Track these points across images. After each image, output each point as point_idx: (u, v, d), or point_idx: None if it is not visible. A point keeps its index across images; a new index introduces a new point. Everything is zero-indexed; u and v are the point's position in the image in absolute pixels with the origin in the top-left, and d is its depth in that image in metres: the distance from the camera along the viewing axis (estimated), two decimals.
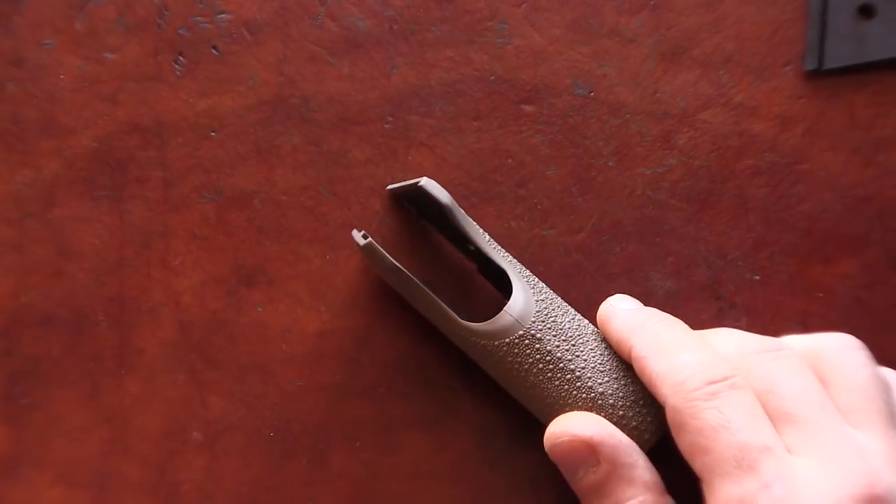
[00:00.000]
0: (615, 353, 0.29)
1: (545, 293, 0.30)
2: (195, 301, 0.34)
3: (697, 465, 0.24)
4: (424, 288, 0.30)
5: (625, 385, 0.29)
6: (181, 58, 0.34)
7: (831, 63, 0.33)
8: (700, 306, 0.33)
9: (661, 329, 0.27)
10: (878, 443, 0.23)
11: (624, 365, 0.29)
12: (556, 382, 0.29)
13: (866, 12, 0.33)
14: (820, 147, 0.34)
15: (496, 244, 0.31)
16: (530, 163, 0.34)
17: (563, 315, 0.30)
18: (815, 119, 0.34)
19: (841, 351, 0.25)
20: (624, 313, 0.29)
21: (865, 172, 0.34)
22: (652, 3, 0.34)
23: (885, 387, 0.25)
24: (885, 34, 0.33)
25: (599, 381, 0.29)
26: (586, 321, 0.30)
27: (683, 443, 0.24)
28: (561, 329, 0.29)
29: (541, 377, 0.29)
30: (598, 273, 0.33)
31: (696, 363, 0.25)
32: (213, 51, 0.34)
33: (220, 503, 0.33)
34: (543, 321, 0.29)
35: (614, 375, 0.29)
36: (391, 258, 0.30)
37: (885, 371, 0.26)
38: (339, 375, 0.33)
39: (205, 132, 0.34)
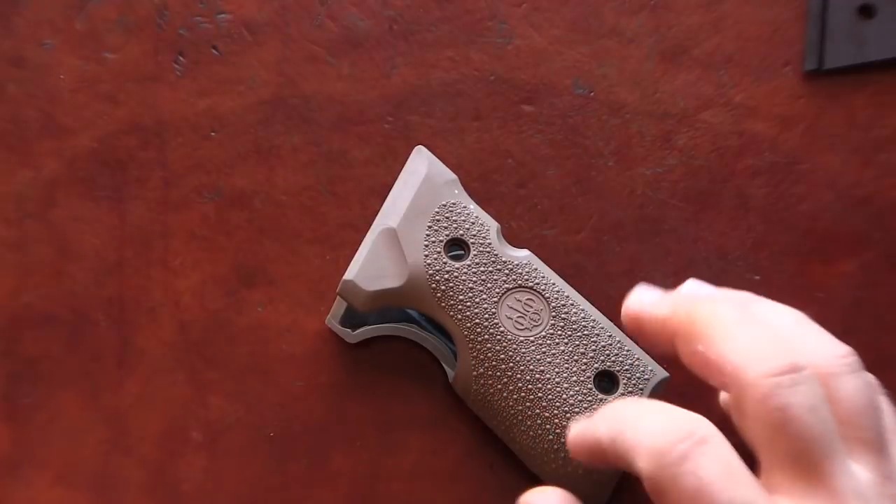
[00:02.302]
0: (573, 388, 0.30)
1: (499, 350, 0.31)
2: (195, 301, 0.34)
3: None
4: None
5: (580, 415, 0.30)
6: (181, 58, 0.34)
7: (831, 63, 0.33)
8: None
9: (620, 407, 0.26)
10: (872, 475, 0.23)
11: (579, 403, 0.30)
12: (515, 433, 0.31)
13: (866, 12, 0.33)
14: (820, 147, 0.34)
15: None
16: (530, 163, 0.34)
17: (506, 374, 0.31)
18: (814, 119, 0.34)
19: (840, 376, 0.25)
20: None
21: (865, 172, 0.34)
22: (652, 3, 0.34)
23: (877, 411, 0.25)
24: (885, 34, 0.33)
25: (554, 426, 0.30)
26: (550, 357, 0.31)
27: None
28: (504, 393, 0.31)
29: (502, 427, 0.31)
30: (598, 273, 0.33)
31: (658, 428, 0.24)
32: (213, 51, 0.34)
33: (219, 503, 0.33)
34: (483, 394, 0.31)
35: (566, 419, 0.30)
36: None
37: (868, 379, 0.26)
38: (339, 375, 0.33)
39: (205, 132, 0.34)
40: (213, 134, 0.34)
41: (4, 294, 0.33)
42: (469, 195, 0.32)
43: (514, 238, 0.33)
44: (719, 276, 0.33)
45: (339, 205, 0.34)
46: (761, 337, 0.25)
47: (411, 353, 0.33)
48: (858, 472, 0.23)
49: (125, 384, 0.33)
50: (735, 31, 0.34)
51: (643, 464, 0.24)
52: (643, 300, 0.28)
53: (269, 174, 0.34)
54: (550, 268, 0.32)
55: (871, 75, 0.34)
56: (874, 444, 0.24)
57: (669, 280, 0.33)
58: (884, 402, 0.26)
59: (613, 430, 0.25)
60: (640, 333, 0.28)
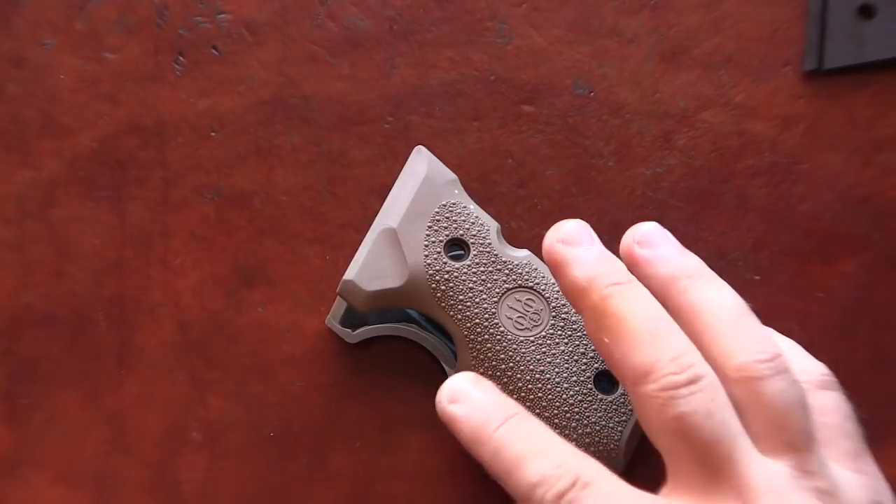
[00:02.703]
0: (567, 389, 0.30)
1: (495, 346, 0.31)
2: (195, 301, 0.34)
3: None
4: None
5: (578, 427, 0.30)
6: (181, 58, 0.34)
7: (831, 63, 0.33)
8: None
9: (500, 440, 0.26)
10: (787, 471, 0.24)
11: (579, 403, 0.30)
12: None
13: (866, 12, 0.33)
14: (820, 147, 0.34)
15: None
16: (530, 163, 0.34)
17: (507, 372, 0.30)
18: (814, 119, 0.34)
19: (762, 381, 0.25)
20: (464, 417, 0.27)
21: (865, 172, 0.34)
22: (652, 3, 0.34)
23: (803, 407, 0.25)
24: (885, 34, 0.33)
25: (554, 426, 0.30)
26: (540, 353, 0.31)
27: None
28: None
29: None
30: None
31: (543, 477, 0.24)
32: (213, 51, 0.34)
33: (220, 503, 0.33)
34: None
35: (566, 419, 0.30)
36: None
37: (793, 378, 0.25)
38: (339, 375, 0.33)
39: (205, 132, 0.34)
40: (213, 134, 0.34)
41: (4, 294, 0.33)
42: (469, 195, 0.32)
43: (514, 238, 0.33)
44: (719, 276, 0.33)
45: (339, 205, 0.34)
46: (666, 347, 0.25)
47: (411, 353, 0.33)
48: (773, 467, 0.24)
49: (125, 384, 0.33)
50: (735, 31, 0.34)
51: None
52: (567, 243, 0.27)
53: (269, 174, 0.34)
54: None
55: (871, 75, 0.34)
56: (797, 444, 0.24)
57: None
58: (835, 398, 0.27)
59: (500, 471, 0.25)
60: (555, 277, 0.28)
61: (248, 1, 0.34)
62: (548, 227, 0.34)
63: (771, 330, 0.27)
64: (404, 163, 0.32)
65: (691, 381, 0.24)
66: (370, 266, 0.30)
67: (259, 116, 0.34)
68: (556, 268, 0.27)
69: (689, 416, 0.23)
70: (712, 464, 0.23)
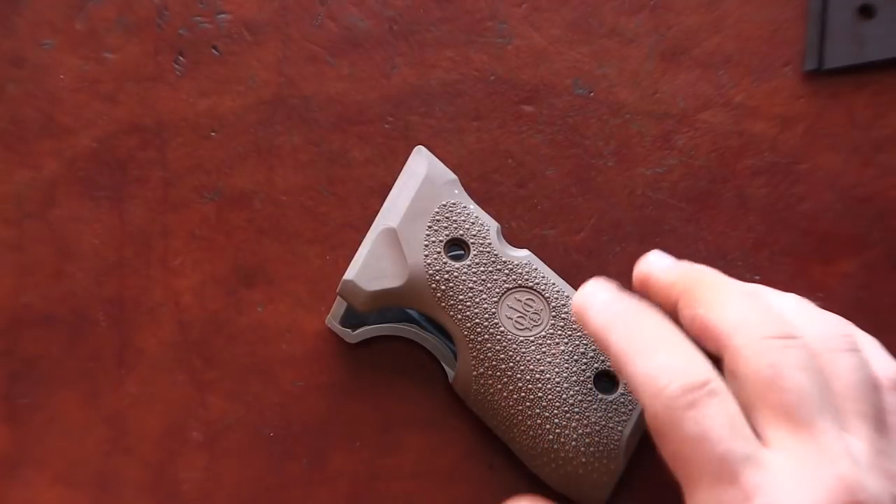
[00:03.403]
0: (571, 390, 0.30)
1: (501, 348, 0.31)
2: (195, 301, 0.34)
3: (679, 473, 0.24)
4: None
5: (578, 427, 0.30)
6: (181, 58, 0.34)
7: (831, 63, 0.33)
8: None
9: (636, 325, 0.26)
10: (865, 447, 0.23)
11: (579, 403, 0.30)
12: (515, 433, 0.31)
13: (866, 12, 0.33)
14: (820, 147, 0.34)
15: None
16: (530, 163, 0.34)
17: (508, 379, 0.30)
18: (814, 119, 0.34)
19: (836, 351, 0.25)
20: (600, 306, 0.28)
21: (865, 172, 0.34)
22: (652, 3, 0.34)
23: (875, 389, 0.25)
24: (885, 34, 0.33)
25: (554, 426, 0.30)
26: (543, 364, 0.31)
27: (665, 451, 0.24)
28: (499, 397, 0.30)
29: (502, 427, 0.31)
30: (598, 273, 0.33)
31: (674, 367, 0.24)
32: (213, 51, 0.34)
33: (220, 503, 0.33)
34: (483, 394, 0.31)
35: (566, 419, 0.30)
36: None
37: (865, 359, 0.26)
38: (339, 375, 0.33)
39: (205, 132, 0.34)
40: (213, 134, 0.34)
41: (4, 294, 0.33)
42: (469, 195, 0.32)
43: (514, 238, 0.33)
44: None
45: (339, 205, 0.34)
46: (759, 308, 0.25)
47: (411, 353, 0.33)
48: (852, 440, 0.23)
49: (125, 384, 0.33)
50: (735, 31, 0.34)
51: (648, 401, 0.24)
52: (654, 263, 0.29)
53: (269, 174, 0.34)
54: (550, 268, 0.32)
55: (871, 75, 0.34)
56: (870, 418, 0.24)
57: None
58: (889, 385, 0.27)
59: (622, 349, 0.26)
60: (646, 295, 0.28)
61: (248, 1, 0.34)
62: (548, 227, 0.34)
63: (852, 324, 0.28)
64: (404, 163, 0.32)
65: (787, 337, 0.24)
66: (370, 266, 0.30)
67: (259, 116, 0.34)
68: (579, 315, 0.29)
69: (782, 365, 0.24)
70: (800, 416, 0.23)
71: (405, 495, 0.33)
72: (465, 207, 0.31)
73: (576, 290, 0.31)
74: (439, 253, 0.30)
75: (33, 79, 0.34)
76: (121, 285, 0.34)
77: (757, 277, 0.33)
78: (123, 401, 0.33)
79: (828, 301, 0.33)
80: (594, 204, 0.34)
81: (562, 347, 0.30)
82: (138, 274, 0.34)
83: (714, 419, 0.23)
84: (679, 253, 0.33)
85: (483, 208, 0.32)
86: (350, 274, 0.31)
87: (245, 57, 0.34)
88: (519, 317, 0.30)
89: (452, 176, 0.31)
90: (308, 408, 0.33)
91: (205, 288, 0.34)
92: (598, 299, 0.28)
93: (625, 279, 0.33)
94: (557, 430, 0.30)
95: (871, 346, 0.27)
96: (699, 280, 0.27)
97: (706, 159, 0.34)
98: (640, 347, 0.25)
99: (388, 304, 0.31)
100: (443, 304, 0.30)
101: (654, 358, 0.25)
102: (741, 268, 0.33)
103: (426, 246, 0.30)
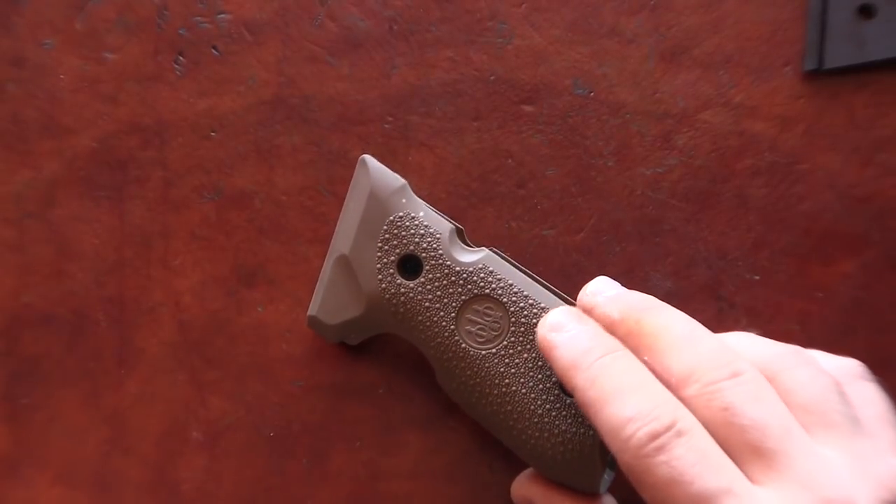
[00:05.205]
0: (547, 395, 0.30)
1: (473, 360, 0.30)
2: (195, 301, 0.34)
3: None
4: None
5: (550, 437, 0.29)
6: (181, 58, 0.34)
7: (831, 63, 0.33)
8: (700, 306, 0.33)
9: (600, 369, 0.26)
10: (843, 457, 0.23)
11: (548, 412, 0.29)
12: (502, 437, 0.30)
13: (866, 12, 0.33)
14: (819, 147, 0.34)
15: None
16: (530, 163, 0.34)
17: (490, 377, 0.30)
18: (814, 119, 0.34)
19: (790, 369, 0.25)
20: (564, 344, 0.27)
21: (865, 172, 0.34)
22: (652, 3, 0.34)
23: (837, 393, 0.25)
24: (885, 34, 0.33)
25: (528, 437, 0.29)
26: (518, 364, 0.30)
27: (644, 496, 0.24)
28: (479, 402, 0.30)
29: (491, 430, 0.31)
30: (598, 273, 0.33)
31: (639, 413, 0.24)
32: (213, 51, 0.34)
33: (219, 503, 0.33)
34: (463, 405, 0.31)
35: (538, 430, 0.29)
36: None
37: (819, 368, 0.26)
38: (339, 375, 0.33)
39: (205, 132, 0.34)
40: (213, 134, 0.34)
41: (4, 294, 0.33)
42: (469, 195, 0.32)
43: (513, 238, 0.33)
44: (719, 276, 0.33)
45: (339, 205, 0.34)
46: (702, 350, 0.25)
47: (411, 353, 0.33)
48: (827, 454, 0.23)
49: (125, 384, 0.33)
50: (735, 31, 0.34)
51: (618, 452, 0.24)
52: (597, 295, 0.28)
53: (269, 174, 0.34)
54: (548, 267, 0.31)
55: (871, 75, 0.34)
56: (840, 425, 0.24)
57: (669, 280, 0.33)
58: (869, 388, 0.27)
59: (588, 397, 0.25)
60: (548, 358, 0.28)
61: (248, 1, 0.34)
62: (548, 227, 0.34)
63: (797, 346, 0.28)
64: (404, 163, 0.32)
65: (736, 374, 0.24)
66: (329, 299, 0.30)
67: (259, 116, 0.34)
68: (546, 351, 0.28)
69: (735, 405, 0.23)
70: (768, 450, 0.23)
71: (405, 495, 0.33)
72: (413, 218, 0.30)
73: (576, 290, 0.31)
74: (392, 274, 0.30)
75: (33, 79, 0.34)
76: (121, 285, 0.34)
77: (757, 277, 0.33)
78: (123, 401, 0.33)
79: (827, 301, 0.33)
80: (594, 204, 0.34)
81: (525, 355, 0.30)
82: (138, 274, 0.34)
83: (684, 459, 0.23)
84: (679, 253, 0.33)
85: (483, 208, 0.32)
86: (312, 309, 0.31)
87: (245, 57, 0.34)
88: (479, 328, 0.30)
89: (399, 182, 0.31)
90: (308, 408, 0.33)
91: (205, 288, 0.34)
92: (561, 338, 0.27)
93: (625, 279, 0.33)
94: (532, 443, 0.29)
95: (819, 355, 0.28)
96: (640, 322, 0.26)
97: (706, 159, 0.34)
98: (604, 395, 0.25)
99: (358, 332, 0.31)
100: (404, 325, 0.30)
101: (620, 406, 0.24)
102: (741, 268, 0.33)
103: (379, 269, 0.30)
